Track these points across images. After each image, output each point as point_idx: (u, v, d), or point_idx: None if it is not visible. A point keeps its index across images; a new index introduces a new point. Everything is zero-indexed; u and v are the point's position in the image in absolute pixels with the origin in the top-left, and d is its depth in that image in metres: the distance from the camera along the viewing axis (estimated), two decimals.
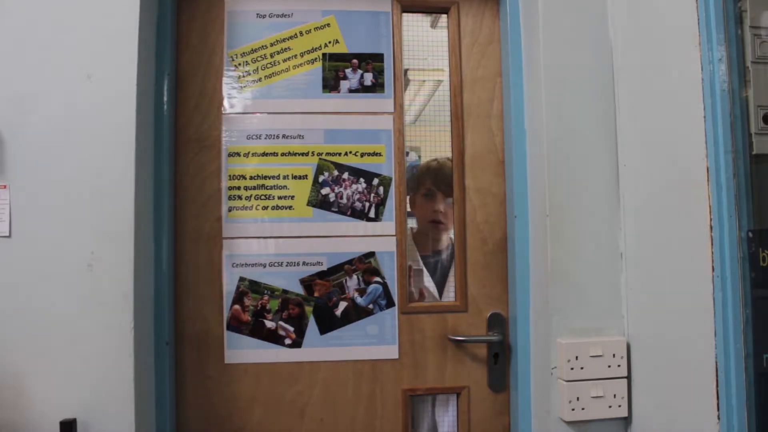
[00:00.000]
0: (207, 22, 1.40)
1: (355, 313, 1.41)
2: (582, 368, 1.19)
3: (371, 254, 1.43)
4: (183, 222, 1.35)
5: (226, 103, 1.40)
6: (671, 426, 1.07)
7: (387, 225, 1.44)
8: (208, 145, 1.38)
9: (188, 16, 1.40)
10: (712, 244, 0.94)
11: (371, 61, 1.47)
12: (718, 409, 0.94)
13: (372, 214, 1.44)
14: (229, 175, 1.38)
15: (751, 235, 0.92)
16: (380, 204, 1.44)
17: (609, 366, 1.19)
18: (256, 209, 1.39)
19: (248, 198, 1.39)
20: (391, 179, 1.44)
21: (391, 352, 1.41)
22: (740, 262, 0.92)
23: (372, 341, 1.41)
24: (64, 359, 1.12)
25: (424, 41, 1.54)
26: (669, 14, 1.07)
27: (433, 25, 1.57)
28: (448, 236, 1.55)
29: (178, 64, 1.37)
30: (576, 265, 1.23)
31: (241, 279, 1.38)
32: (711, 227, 0.95)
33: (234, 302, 1.37)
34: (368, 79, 1.47)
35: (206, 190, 1.37)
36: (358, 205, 1.44)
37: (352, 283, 1.42)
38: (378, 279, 1.43)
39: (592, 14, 1.27)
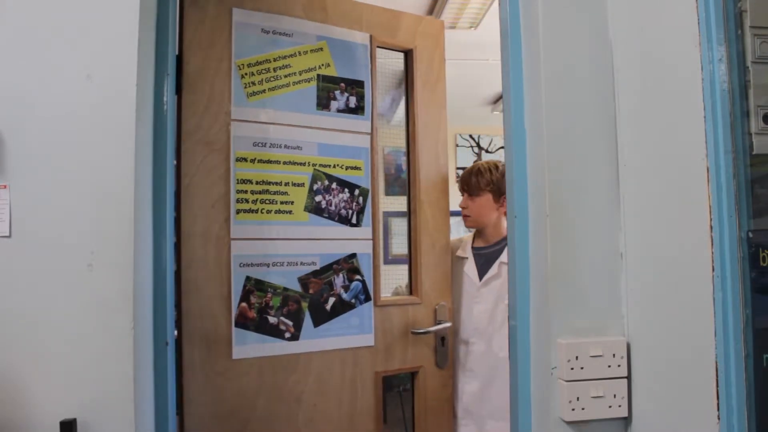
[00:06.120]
0: (215, 28, 1.44)
1: (341, 307, 1.59)
2: (582, 368, 1.19)
3: (353, 255, 1.60)
4: (192, 223, 1.37)
5: (233, 109, 1.44)
6: (671, 426, 1.07)
7: (365, 230, 1.63)
8: (217, 149, 1.41)
9: (196, 20, 1.42)
10: (712, 244, 0.94)
11: (354, 86, 1.64)
12: (718, 409, 0.93)
13: (354, 221, 1.62)
14: (237, 179, 1.44)
15: (751, 235, 0.92)
16: (360, 212, 1.62)
17: (609, 366, 1.19)
18: (261, 212, 1.47)
19: (254, 201, 1.46)
20: (368, 191, 1.63)
21: (368, 340, 1.60)
22: (740, 262, 0.92)
23: (354, 331, 1.59)
24: (64, 359, 1.12)
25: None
26: (669, 14, 1.07)
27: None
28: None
29: (187, 67, 1.40)
30: (576, 265, 1.23)
31: (248, 278, 1.45)
32: (711, 227, 0.94)
33: (241, 300, 1.44)
34: (352, 102, 1.64)
35: (215, 192, 1.40)
36: (343, 212, 1.60)
37: (338, 280, 1.59)
38: (358, 277, 1.61)
39: (593, 14, 1.28)
